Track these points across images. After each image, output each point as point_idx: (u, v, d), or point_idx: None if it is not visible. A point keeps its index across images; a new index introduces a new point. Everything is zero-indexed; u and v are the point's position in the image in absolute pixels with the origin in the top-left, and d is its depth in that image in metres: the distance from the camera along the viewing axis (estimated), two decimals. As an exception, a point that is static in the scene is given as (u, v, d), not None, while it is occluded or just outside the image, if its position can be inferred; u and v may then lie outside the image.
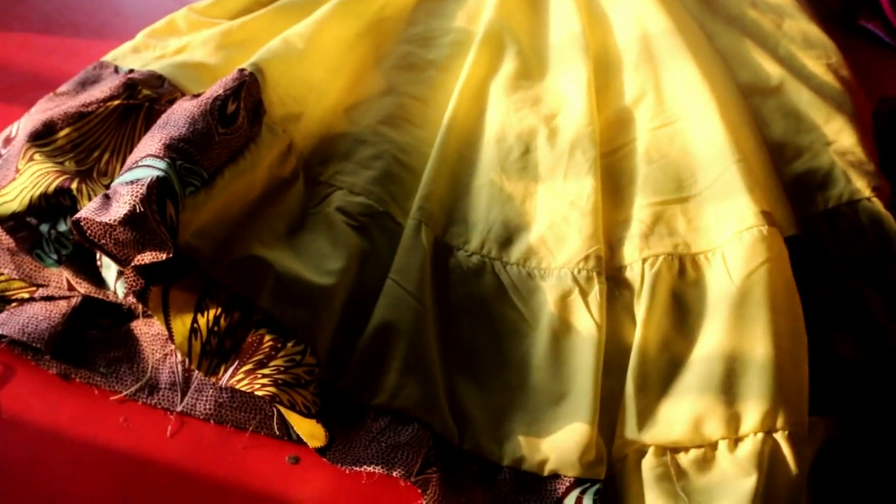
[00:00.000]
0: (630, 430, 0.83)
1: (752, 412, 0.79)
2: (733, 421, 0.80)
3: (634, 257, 0.96)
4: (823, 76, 1.19)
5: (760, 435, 0.78)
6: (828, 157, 1.06)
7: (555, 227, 0.98)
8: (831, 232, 1.01)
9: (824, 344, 0.90)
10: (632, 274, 0.95)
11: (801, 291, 0.91)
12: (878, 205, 1.01)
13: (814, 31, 1.27)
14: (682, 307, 0.92)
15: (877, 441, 0.87)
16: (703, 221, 0.98)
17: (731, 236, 0.93)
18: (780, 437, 0.79)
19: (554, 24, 1.28)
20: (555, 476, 0.81)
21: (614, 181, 1.05)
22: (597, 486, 0.80)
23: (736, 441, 0.79)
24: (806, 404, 0.83)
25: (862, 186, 1.02)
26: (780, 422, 0.79)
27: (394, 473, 0.79)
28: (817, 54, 1.23)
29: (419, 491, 0.81)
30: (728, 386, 0.82)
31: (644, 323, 0.89)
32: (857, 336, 0.93)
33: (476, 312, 0.93)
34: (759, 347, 0.83)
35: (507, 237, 0.98)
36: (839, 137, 1.08)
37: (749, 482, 0.75)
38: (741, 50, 1.22)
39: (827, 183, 1.04)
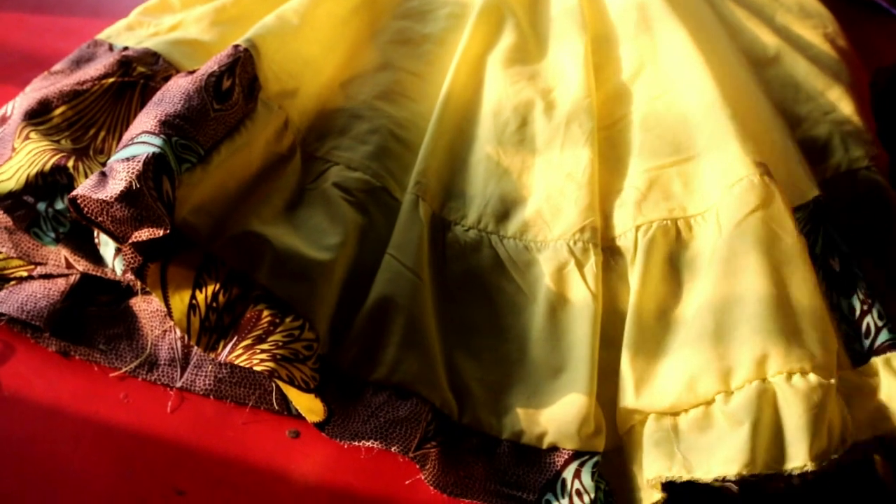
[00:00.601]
0: (628, 399, 0.83)
1: (745, 361, 0.78)
2: (727, 373, 0.79)
3: (628, 225, 0.96)
4: (820, 46, 1.19)
5: (755, 383, 0.77)
6: (826, 127, 1.06)
7: (551, 199, 0.98)
8: (831, 201, 1.01)
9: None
10: (626, 242, 0.95)
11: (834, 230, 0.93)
12: (875, 174, 1.01)
13: (810, 0, 1.27)
14: (678, 271, 0.92)
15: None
16: (698, 182, 0.97)
17: (722, 192, 0.93)
18: (779, 381, 0.77)
19: None
20: (553, 449, 0.82)
21: (613, 152, 1.05)
22: (595, 459, 0.80)
23: (731, 393, 0.78)
24: (824, 344, 0.80)
25: (860, 156, 1.03)
26: (776, 366, 0.77)
27: (392, 449, 0.79)
28: (814, 24, 1.22)
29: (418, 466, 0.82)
30: (719, 339, 0.81)
31: (638, 291, 0.90)
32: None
33: (474, 286, 0.93)
34: (748, 295, 0.82)
35: (504, 211, 0.98)
36: (837, 107, 1.09)
37: (742, 432, 0.74)
38: (737, 20, 1.22)
39: (826, 152, 1.05)
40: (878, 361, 0.84)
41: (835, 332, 0.85)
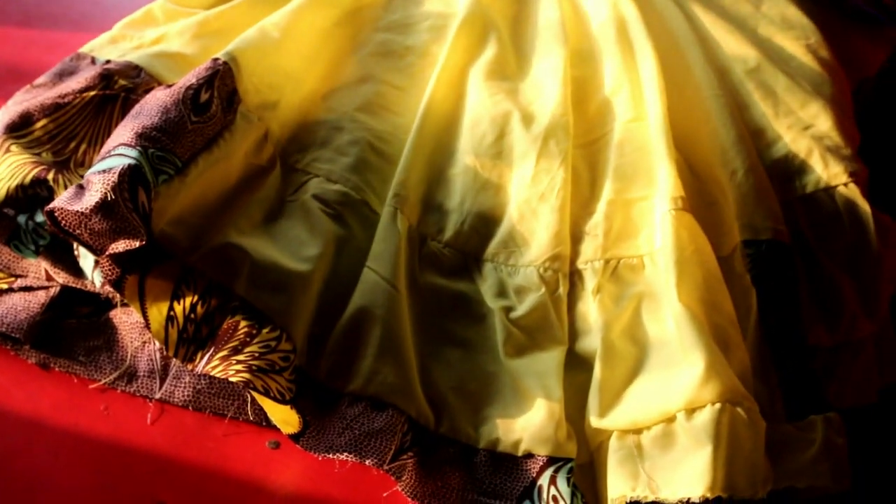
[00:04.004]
0: (594, 417, 0.83)
1: (709, 384, 0.79)
2: (685, 393, 0.79)
3: (597, 256, 0.97)
4: (802, 57, 1.19)
5: (718, 405, 0.77)
6: (805, 142, 1.06)
7: (524, 221, 0.99)
8: (809, 218, 1.02)
9: (797, 336, 0.92)
10: (593, 271, 0.96)
11: (778, 286, 0.94)
12: (854, 191, 1.02)
13: (793, 11, 1.27)
14: (641, 301, 0.92)
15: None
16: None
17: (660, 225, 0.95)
18: (738, 409, 0.78)
19: (533, 11, 1.28)
20: (528, 456, 0.82)
21: (589, 173, 1.06)
22: (570, 465, 0.80)
23: (692, 412, 0.78)
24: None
25: (838, 172, 1.03)
26: (734, 395, 0.78)
27: (366, 462, 0.79)
28: (796, 35, 1.23)
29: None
30: (677, 362, 0.83)
31: (605, 317, 0.91)
32: (831, 323, 0.95)
33: (449, 300, 0.94)
34: (685, 324, 0.84)
35: (480, 231, 0.99)
36: (816, 121, 1.09)
37: (704, 454, 0.75)
38: (719, 32, 1.22)
39: (805, 168, 1.05)
40: (818, 420, 0.86)
41: (774, 383, 0.89)
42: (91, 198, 0.75)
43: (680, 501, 0.75)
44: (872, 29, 1.41)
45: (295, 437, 0.82)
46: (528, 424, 0.83)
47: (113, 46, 1.10)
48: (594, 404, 0.84)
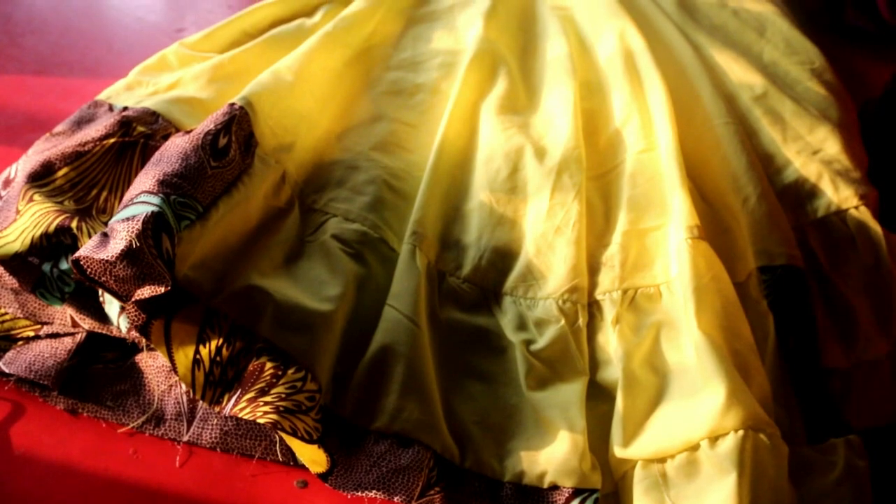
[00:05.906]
0: (618, 447, 0.84)
1: (731, 411, 0.79)
2: (709, 421, 0.80)
3: (615, 286, 0.98)
4: (807, 82, 1.21)
5: (741, 432, 0.78)
6: (815, 167, 1.08)
7: (541, 255, 1.00)
8: (822, 242, 1.03)
9: (815, 359, 0.93)
10: (611, 301, 0.97)
11: (795, 311, 0.95)
12: (865, 214, 1.03)
13: (796, 36, 1.29)
14: (660, 329, 0.93)
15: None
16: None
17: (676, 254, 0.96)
18: (761, 435, 0.78)
19: (541, 46, 1.30)
20: (554, 488, 0.82)
21: (603, 204, 1.07)
22: (595, 496, 0.81)
23: (716, 440, 0.79)
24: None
25: (849, 195, 1.04)
26: (756, 421, 0.79)
27: (395, 499, 0.80)
28: (800, 59, 1.24)
29: (423, 514, 0.83)
30: (699, 389, 0.83)
31: (626, 347, 0.92)
32: (847, 346, 0.96)
33: (469, 335, 0.95)
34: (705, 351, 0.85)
35: (498, 265, 1.00)
36: (824, 146, 1.10)
37: (729, 481, 0.75)
38: (725, 60, 1.24)
39: (815, 193, 1.07)
40: (839, 443, 0.87)
41: (794, 407, 0.90)
42: (116, 246, 0.76)
43: None
44: (875, 48, 1.42)
45: (323, 476, 0.83)
46: (552, 456, 0.84)
47: (129, 93, 1.11)
48: (617, 434, 0.84)
